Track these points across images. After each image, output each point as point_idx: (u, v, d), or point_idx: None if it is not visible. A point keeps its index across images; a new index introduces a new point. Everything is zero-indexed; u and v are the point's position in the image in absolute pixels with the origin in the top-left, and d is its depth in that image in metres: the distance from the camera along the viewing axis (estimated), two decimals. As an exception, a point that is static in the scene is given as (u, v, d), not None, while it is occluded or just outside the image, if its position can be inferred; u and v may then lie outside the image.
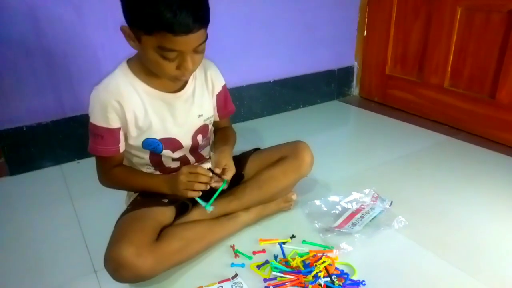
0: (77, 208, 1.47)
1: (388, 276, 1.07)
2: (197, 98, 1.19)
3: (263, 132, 2.07)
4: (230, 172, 1.12)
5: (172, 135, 1.17)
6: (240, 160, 1.35)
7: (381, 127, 2.15)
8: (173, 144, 1.19)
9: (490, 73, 1.86)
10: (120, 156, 1.17)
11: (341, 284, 1.03)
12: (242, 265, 1.13)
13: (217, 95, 1.26)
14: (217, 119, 1.33)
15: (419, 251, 1.17)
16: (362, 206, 1.35)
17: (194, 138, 1.22)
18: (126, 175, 1.18)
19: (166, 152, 1.19)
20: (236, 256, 1.17)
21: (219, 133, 1.35)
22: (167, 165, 1.23)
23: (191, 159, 1.26)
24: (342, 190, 1.44)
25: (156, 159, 1.21)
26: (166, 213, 1.17)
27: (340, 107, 2.51)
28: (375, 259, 1.14)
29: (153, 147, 1.17)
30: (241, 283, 1.07)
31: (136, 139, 1.14)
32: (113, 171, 1.16)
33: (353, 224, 1.27)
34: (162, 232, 1.11)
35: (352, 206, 1.36)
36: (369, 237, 1.21)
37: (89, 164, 1.71)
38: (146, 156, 1.19)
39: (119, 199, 1.29)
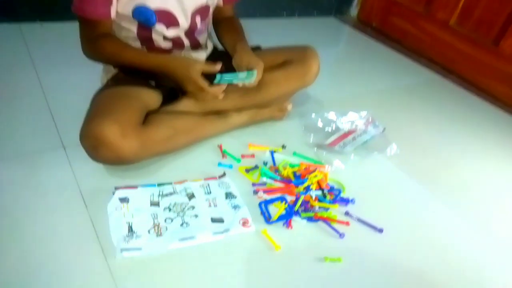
0: (41, 76, 1.27)
1: (375, 199, 1.07)
2: None
3: (254, 35, 1.88)
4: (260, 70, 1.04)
5: (169, 8, 0.99)
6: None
7: (375, 54, 2.06)
8: (169, 19, 1.01)
9: (501, 19, 1.77)
10: (109, 23, 0.98)
11: (331, 199, 1.00)
12: (230, 166, 1.06)
13: None
14: (221, 3, 1.16)
15: (407, 180, 1.17)
16: (355, 129, 1.31)
17: (192, 18, 1.05)
18: (121, 47, 0.99)
19: (159, 27, 1.01)
20: (223, 156, 1.10)
21: (226, 25, 1.17)
22: (156, 44, 1.05)
23: (186, 42, 1.09)
24: (336, 110, 1.37)
25: (145, 34, 1.03)
26: (153, 97, 1.03)
27: (336, 25, 2.35)
28: (364, 180, 1.13)
29: (146, 18, 0.98)
30: (228, 183, 1.01)
31: (126, 4, 0.95)
32: (102, 40, 0.97)
33: (344, 144, 1.23)
34: (148, 117, 0.99)
35: (346, 126, 1.30)
36: (362, 158, 1.18)
37: (55, 30, 1.48)
38: (134, 28, 1.01)
39: (92, 75, 1.12)
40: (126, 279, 0.75)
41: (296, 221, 0.93)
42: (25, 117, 1.10)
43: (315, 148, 1.19)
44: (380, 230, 0.96)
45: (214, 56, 1.19)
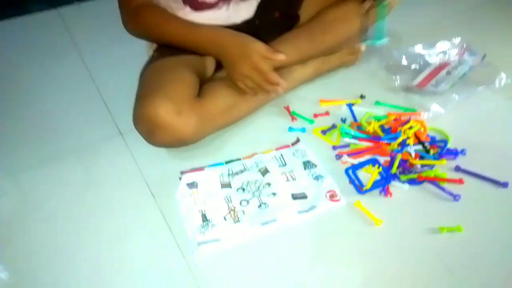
0: (86, 59, 1.19)
1: (490, 146, 0.85)
2: None
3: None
4: None
5: None
6: None
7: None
8: None
9: None
10: None
11: (435, 154, 0.81)
12: (303, 130, 0.91)
13: None
14: None
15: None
16: (448, 60, 1.06)
17: None
18: (165, 16, 0.85)
19: None
20: (293, 119, 0.94)
21: None
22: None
23: None
24: (421, 41, 1.12)
25: None
26: (204, 63, 0.90)
27: None
28: (473, 124, 0.91)
29: None
30: (304, 151, 0.86)
31: None
32: (142, 10, 0.84)
33: (437, 83, 1.00)
34: (202, 87, 0.85)
35: (436, 59, 1.06)
36: (464, 97, 0.95)
37: (91, 7, 1.40)
38: None
39: (137, 50, 1.01)
40: (207, 275, 0.66)
41: (396, 186, 0.77)
42: (77, 107, 1.03)
43: (403, 92, 0.98)
44: (504, 184, 0.76)
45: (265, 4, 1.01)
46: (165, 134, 0.76)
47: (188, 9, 0.88)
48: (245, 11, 0.95)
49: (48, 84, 1.11)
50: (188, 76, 0.81)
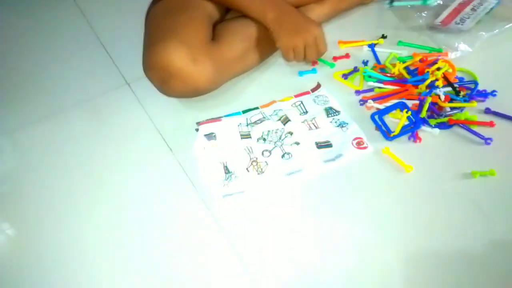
0: (81, 4, 1.09)
1: (520, 85, 0.81)
2: None
3: None
4: None
5: None
6: None
7: None
8: None
9: None
10: None
11: (465, 96, 0.77)
12: (314, 71, 0.85)
13: None
14: None
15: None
16: (473, -5, 0.98)
17: None
18: None
19: None
20: (313, 63, 0.88)
21: None
22: None
23: None
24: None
25: None
26: (216, 3, 0.81)
27: None
28: (503, 63, 0.86)
29: None
30: (325, 97, 0.81)
31: None
32: None
33: (462, 20, 0.93)
34: (216, 30, 0.78)
35: (460, -6, 0.99)
36: (492, 35, 0.89)
37: None
38: None
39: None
40: (232, 226, 0.64)
41: (425, 131, 0.73)
42: (76, 57, 0.95)
43: (427, 31, 0.92)
44: (537, 126, 0.73)
45: None
46: (180, 83, 0.70)
47: None
48: None
49: (42, 34, 1.02)
50: (200, 17, 0.74)
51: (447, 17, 0.95)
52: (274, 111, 0.79)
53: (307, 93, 0.82)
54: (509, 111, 0.75)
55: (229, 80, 0.81)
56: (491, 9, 0.95)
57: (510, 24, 0.91)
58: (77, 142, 0.77)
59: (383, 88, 0.80)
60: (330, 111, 0.78)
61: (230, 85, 0.82)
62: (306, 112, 0.79)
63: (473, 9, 0.96)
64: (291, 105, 0.80)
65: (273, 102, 0.80)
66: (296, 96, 0.82)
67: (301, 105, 0.80)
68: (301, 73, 0.86)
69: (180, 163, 0.72)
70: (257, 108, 0.79)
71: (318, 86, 0.83)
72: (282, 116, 0.77)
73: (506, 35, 0.90)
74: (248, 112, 0.79)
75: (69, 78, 0.91)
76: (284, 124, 0.76)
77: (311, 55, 0.80)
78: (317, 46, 0.79)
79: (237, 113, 0.79)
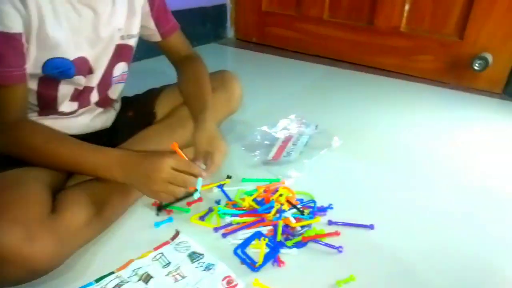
0: None
1: (349, 195, 0.96)
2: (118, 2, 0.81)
3: (141, 78, 1.69)
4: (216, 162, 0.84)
5: (84, 55, 0.78)
6: (148, 96, 1.02)
7: (267, 65, 2.02)
8: (84, 67, 0.79)
9: (367, 0, 1.91)
10: (25, 90, 0.73)
11: (309, 213, 0.86)
12: (170, 220, 0.84)
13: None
14: (158, 39, 0.95)
15: (365, 164, 1.10)
16: (291, 134, 1.20)
17: (110, 64, 0.84)
18: (56, 135, 0.75)
19: (78, 79, 0.79)
20: (169, 213, 0.87)
21: (186, 77, 0.97)
22: (59, 107, 0.81)
23: (94, 98, 0.86)
24: (266, 121, 1.25)
25: (49, 95, 0.78)
26: (54, 171, 0.77)
27: (218, 49, 2.28)
28: (328, 181, 1.02)
29: (61, 71, 0.75)
30: (186, 242, 0.79)
31: (36, 61, 0.71)
32: (24, 125, 0.73)
33: (288, 154, 1.11)
34: (56, 200, 0.72)
35: (281, 135, 1.19)
36: (313, 160, 1.07)
37: None
38: (33, 87, 0.76)
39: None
40: None
41: (285, 253, 0.76)
42: None
43: (264, 166, 1.05)
44: (371, 227, 0.85)
45: (124, 111, 0.99)
46: (15, 268, 0.59)
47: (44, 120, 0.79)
48: (104, 121, 0.92)
49: None
50: (37, 190, 0.67)
51: (276, 153, 1.11)
52: (133, 271, 0.71)
53: (166, 243, 0.79)
54: (347, 218, 0.86)
55: (78, 249, 0.72)
56: (307, 142, 1.17)
57: (323, 151, 1.13)
58: None
59: (239, 219, 0.84)
60: (193, 256, 0.75)
61: (80, 252, 0.73)
62: (169, 263, 0.74)
63: (294, 144, 1.16)
64: (152, 260, 0.74)
65: (131, 261, 0.73)
66: (155, 249, 0.77)
67: (162, 257, 0.75)
68: (157, 224, 0.83)
69: None
70: (112, 272, 0.71)
71: (177, 233, 0.81)
72: (143, 274, 0.71)
73: (323, 159, 1.10)
74: (102, 280, 0.69)
75: None
76: (147, 283, 0.69)
77: (181, 184, 0.77)
78: (185, 171, 0.77)
79: (89, 284, 0.68)
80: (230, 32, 2.46)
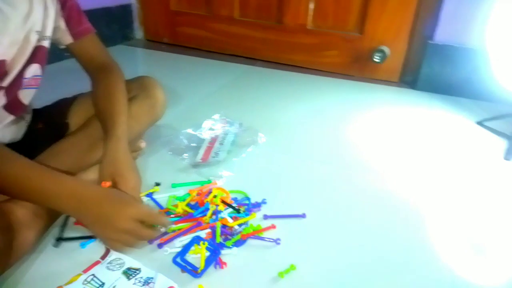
0: None
1: (279, 188, 0.99)
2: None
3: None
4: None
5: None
6: (59, 106, 0.93)
7: (181, 66, 1.98)
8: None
9: (274, 1, 1.97)
10: None
11: (244, 211, 0.86)
12: (92, 240, 0.78)
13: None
14: (70, 40, 0.87)
15: (285, 158, 1.14)
16: (216, 134, 1.20)
17: (26, 64, 0.76)
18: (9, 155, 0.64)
19: None
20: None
21: (99, 87, 0.88)
22: None
23: (1, 100, 0.76)
24: (190, 123, 1.22)
25: None
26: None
27: (127, 51, 2.16)
28: (259, 177, 1.03)
29: None
30: (119, 258, 0.74)
31: None
32: None
33: (216, 154, 1.11)
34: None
35: (207, 135, 1.18)
36: (241, 159, 1.08)
37: None
38: None
39: None
40: None
41: (226, 254, 0.76)
42: None
43: (193, 169, 1.02)
44: (303, 216, 0.88)
45: (34, 123, 0.89)
46: None
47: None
48: (14, 132, 0.81)
49: None
50: None
51: (204, 154, 1.09)
52: (63, 299, 0.65)
53: (97, 263, 0.72)
54: (281, 210, 0.88)
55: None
56: (233, 140, 1.18)
57: (249, 148, 1.15)
58: None
59: (176, 227, 0.81)
60: (129, 272, 0.71)
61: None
62: (103, 284, 0.68)
63: (221, 144, 1.15)
64: (82, 283, 0.68)
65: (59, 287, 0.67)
66: (85, 271, 0.70)
67: (94, 278, 0.69)
68: (83, 245, 0.76)
69: None
70: (37, 305, 0.63)
71: (108, 251, 0.75)
72: (74, 301, 0.64)
73: (251, 156, 1.12)
74: (26, 315, 0.62)
75: None
76: (80, 310, 0.63)
77: (139, 238, 0.71)
78: (150, 223, 0.71)
79: (10, 324, 0.60)
80: (139, 33, 2.35)
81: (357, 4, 1.82)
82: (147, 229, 0.71)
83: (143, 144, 1.03)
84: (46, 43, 0.81)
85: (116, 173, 0.76)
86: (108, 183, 0.75)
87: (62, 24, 0.85)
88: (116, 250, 0.73)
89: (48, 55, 0.83)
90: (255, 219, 0.86)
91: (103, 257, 0.74)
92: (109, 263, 0.73)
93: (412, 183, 1.05)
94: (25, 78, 0.79)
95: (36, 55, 0.78)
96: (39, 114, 0.91)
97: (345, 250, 0.80)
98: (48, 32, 0.81)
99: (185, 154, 1.07)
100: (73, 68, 0.97)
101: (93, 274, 0.70)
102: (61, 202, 0.66)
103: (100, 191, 0.71)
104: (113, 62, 0.95)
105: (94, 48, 0.93)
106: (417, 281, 0.74)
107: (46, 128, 0.89)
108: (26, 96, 0.82)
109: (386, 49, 1.80)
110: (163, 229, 0.76)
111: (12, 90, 0.77)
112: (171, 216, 0.84)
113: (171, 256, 0.74)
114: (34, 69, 0.80)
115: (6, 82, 0.74)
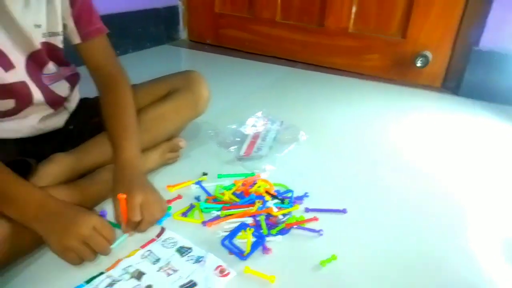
0: None
1: (321, 183, 1.02)
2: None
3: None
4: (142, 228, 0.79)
5: None
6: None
7: (223, 67, 2.04)
8: (2, 57, 0.75)
9: (317, 3, 2.01)
10: None
11: (288, 202, 0.90)
12: (159, 222, 0.85)
13: None
14: (78, 41, 0.87)
15: (326, 155, 1.18)
16: (259, 131, 1.25)
17: (35, 56, 0.80)
18: None
19: None
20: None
21: (108, 106, 0.88)
22: None
23: (35, 91, 0.81)
24: (234, 119, 1.29)
25: None
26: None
27: (172, 51, 2.26)
28: (300, 172, 1.07)
29: None
30: (172, 238, 0.80)
31: None
32: None
33: (259, 149, 1.16)
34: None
35: (250, 131, 1.23)
36: (284, 154, 1.13)
37: None
38: None
39: None
40: None
41: (271, 241, 0.80)
42: None
43: (238, 162, 1.08)
44: (344, 211, 0.91)
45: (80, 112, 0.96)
46: None
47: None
48: (54, 122, 0.89)
49: None
50: None
51: (247, 149, 1.15)
52: (123, 269, 0.71)
53: (152, 240, 0.79)
54: (322, 204, 0.92)
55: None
56: (275, 137, 1.22)
57: (292, 145, 1.19)
58: None
59: (224, 212, 0.86)
60: (182, 250, 0.77)
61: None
62: (159, 259, 0.74)
63: (263, 139, 1.20)
64: (141, 257, 0.75)
65: (119, 260, 0.73)
66: (142, 247, 0.77)
67: (151, 254, 0.76)
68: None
69: None
70: (102, 273, 0.70)
71: (163, 230, 0.81)
72: (134, 271, 0.71)
73: (293, 152, 1.16)
74: (93, 281, 0.68)
75: None
76: (139, 280, 0.69)
77: (97, 247, 0.71)
78: (103, 233, 0.72)
79: (80, 286, 0.67)
80: (183, 34, 2.45)
81: (400, 8, 1.83)
82: (103, 239, 0.71)
83: (182, 143, 1.05)
84: (54, 40, 0.82)
85: (124, 191, 0.77)
86: (124, 195, 0.76)
87: (71, 22, 0.84)
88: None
89: (68, 53, 0.85)
90: (298, 211, 0.90)
91: (158, 235, 0.80)
92: (164, 241, 0.79)
93: (456, 188, 1.05)
94: (44, 74, 0.82)
95: (45, 51, 0.80)
96: (92, 106, 0.94)
97: (386, 246, 0.83)
98: (55, 29, 0.81)
99: (231, 148, 1.13)
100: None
101: (149, 250, 0.76)
102: (20, 207, 0.67)
103: (61, 201, 0.72)
104: (120, 73, 0.93)
105: (102, 53, 0.91)
106: (456, 279, 0.75)
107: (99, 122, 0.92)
108: (60, 89, 0.87)
109: (428, 54, 1.79)
110: (113, 246, 0.74)
111: (40, 84, 0.81)
112: (219, 202, 0.90)
113: (219, 239, 0.79)
114: (50, 66, 0.83)
115: (18, 75, 0.77)
